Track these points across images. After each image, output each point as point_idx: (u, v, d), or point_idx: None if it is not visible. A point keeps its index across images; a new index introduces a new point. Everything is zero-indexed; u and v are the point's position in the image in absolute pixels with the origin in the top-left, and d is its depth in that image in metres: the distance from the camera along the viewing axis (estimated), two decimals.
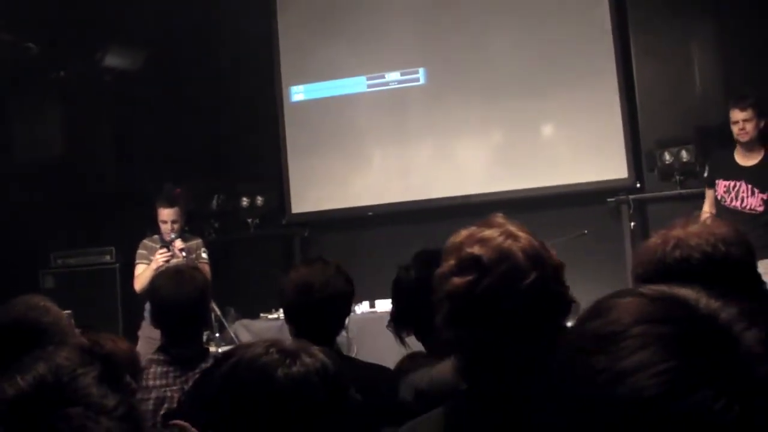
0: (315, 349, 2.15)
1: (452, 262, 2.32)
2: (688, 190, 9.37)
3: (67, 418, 1.38)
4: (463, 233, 2.37)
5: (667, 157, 9.55)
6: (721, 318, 1.03)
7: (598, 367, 1.03)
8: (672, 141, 9.56)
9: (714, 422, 0.94)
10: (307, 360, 2.11)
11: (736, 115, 8.18)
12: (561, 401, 1.09)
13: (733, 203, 8.20)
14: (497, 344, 2.23)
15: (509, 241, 2.29)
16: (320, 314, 3.95)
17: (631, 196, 9.78)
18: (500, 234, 2.31)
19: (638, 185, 9.87)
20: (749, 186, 8.15)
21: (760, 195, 8.10)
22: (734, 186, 8.21)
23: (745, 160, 8.25)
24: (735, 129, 8.21)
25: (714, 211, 8.28)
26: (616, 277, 9.54)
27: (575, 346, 1.10)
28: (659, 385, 0.97)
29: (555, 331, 2.27)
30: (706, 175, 8.67)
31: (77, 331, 3.36)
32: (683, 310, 1.04)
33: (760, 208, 8.08)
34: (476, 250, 2.28)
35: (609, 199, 9.85)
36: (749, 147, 8.22)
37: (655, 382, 0.98)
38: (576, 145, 10.02)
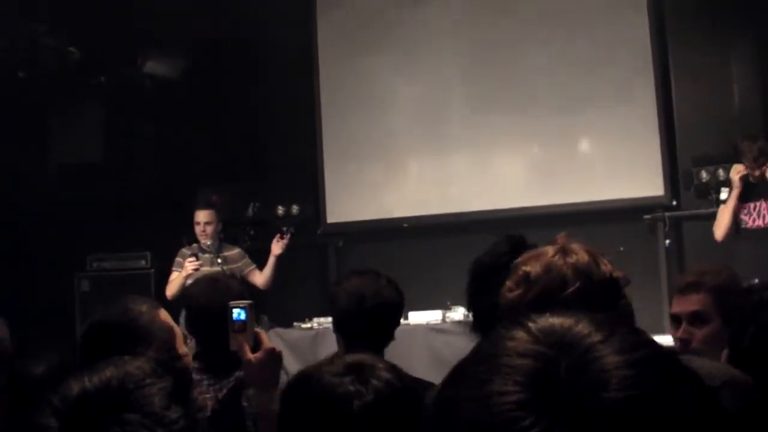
0: (381, 368, 2.20)
1: (511, 280, 2.50)
2: None
3: (123, 423, 1.40)
4: (526, 254, 2.58)
5: (704, 175, 9.50)
6: (582, 346, 1.06)
7: (453, 394, 1.09)
8: (709, 159, 9.51)
9: None
10: (379, 385, 2.15)
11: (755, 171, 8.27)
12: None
13: (756, 223, 8.26)
14: None
15: (558, 257, 2.47)
16: (372, 324, 4.00)
17: (667, 214, 9.76)
18: (554, 251, 2.50)
19: (674, 203, 9.83)
20: None
21: None
22: (755, 207, 8.27)
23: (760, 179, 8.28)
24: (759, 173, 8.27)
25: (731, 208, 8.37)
26: (651, 294, 9.52)
27: (450, 377, 1.14)
28: (496, 414, 1.01)
29: None
30: (725, 197, 8.67)
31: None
32: (548, 344, 1.07)
33: None
34: (528, 267, 2.46)
35: (645, 216, 9.82)
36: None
37: (494, 411, 1.01)
38: (613, 161, 10.00)
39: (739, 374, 2.04)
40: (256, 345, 3.03)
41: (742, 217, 8.34)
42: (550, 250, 2.51)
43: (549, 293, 2.38)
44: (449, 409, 1.08)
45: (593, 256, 2.52)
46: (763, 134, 9.20)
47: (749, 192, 8.35)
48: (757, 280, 5.08)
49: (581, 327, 1.10)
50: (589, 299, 2.37)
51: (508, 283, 2.49)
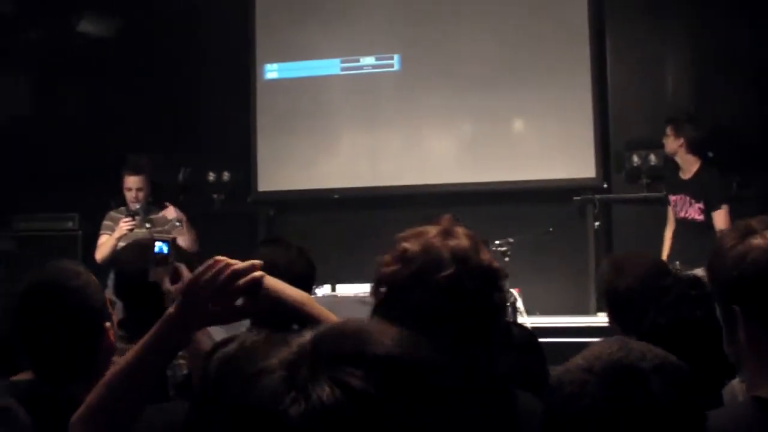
0: None
1: (388, 255, 2.48)
2: (654, 194, 9.40)
3: None
4: (409, 230, 2.52)
5: (635, 159, 9.59)
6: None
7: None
8: (641, 144, 9.60)
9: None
10: None
11: None
12: None
13: (680, 214, 8.55)
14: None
15: (438, 239, 2.42)
16: None
17: (597, 196, 9.83)
18: (436, 231, 2.45)
19: (605, 185, 9.90)
20: (688, 197, 8.47)
21: (697, 204, 8.40)
22: (681, 199, 8.54)
23: (684, 174, 8.58)
24: None
25: (673, 227, 8.72)
26: (578, 275, 9.60)
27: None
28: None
29: (479, 333, 2.36)
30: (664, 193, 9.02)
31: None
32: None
33: (699, 217, 8.38)
34: (407, 244, 2.44)
35: (575, 198, 9.88)
36: (682, 161, 8.57)
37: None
38: (545, 141, 10.04)
39: (673, 359, 2.04)
40: (176, 278, 3.08)
41: (673, 207, 8.63)
42: (432, 229, 2.47)
43: (423, 274, 2.37)
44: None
45: (474, 242, 2.46)
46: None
47: (676, 185, 8.64)
48: (678, 263, 5.18)
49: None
50: (461, 285, 2.35)
51: (386, 257, 2.48)
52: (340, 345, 1.11)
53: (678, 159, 8.55)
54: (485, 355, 2.42)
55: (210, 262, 2.17)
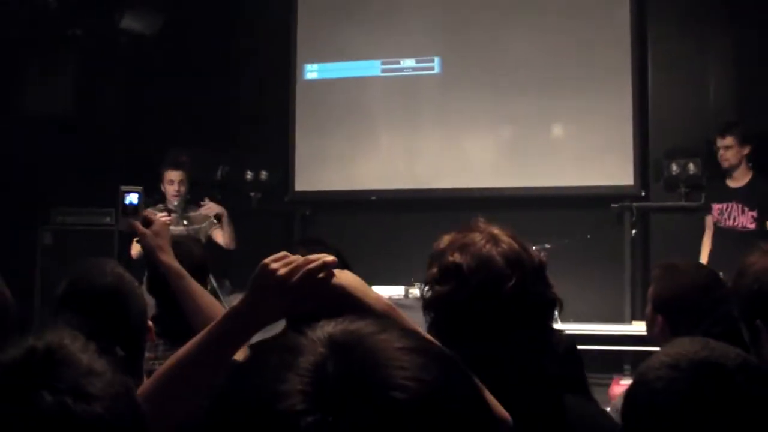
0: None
1: (435, 270, 2.35)
2: (692, 203, 9.36)
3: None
4: (446, 239, 2.40)
5: (674, 168, 9.53)
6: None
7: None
8: (680, 152, 9.54)
9: None
10: None
11: (718, 141, 8.57)
12: None
13: (727, 223, 8.51)
14: (481, 351, 2.22)
15: (489, 246, 2.31)
16: None
17: (634, 204, 9.78)
18: (482, 239, 2.34)
19: (643, 193, 9.86)
20: (740, 205, 8.44)
21: (750, 213, 8.39)
22: (727, 207, 8.52)
23: (735, 182, 8.57)
24: (718, 154, 8.61)
25: (710, 236, 8.70)
26: (614, 283, 9.55)
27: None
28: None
29: (541, 333, 2.32)
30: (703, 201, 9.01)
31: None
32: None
33: (751, 225, 8.38)
34: (457, 257, 2.31)
35: (613, 205, 9.84)
36: (736, 171, 8.54)
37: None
38: (584, 147, 10.00)
39: (753, 359, 2.06)
40: (147, 224, 3.18)
41: (717, 216, 8.58)
42: (476, 236, 2.35)
43: (486, 288, 2.27)
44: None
45: (518, 241, 2.37)
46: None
47: (723, 193, 8.62)
48: (721, 274, 5.16)
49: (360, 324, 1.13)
50: (525, 291, 2.27)
51: (435, 272, 2.35)
52: (358, 380, 1.05)
53: (730, 169, 8.53)
54: (540, 354, 2.37)
55: (279, 255, 2.08)
